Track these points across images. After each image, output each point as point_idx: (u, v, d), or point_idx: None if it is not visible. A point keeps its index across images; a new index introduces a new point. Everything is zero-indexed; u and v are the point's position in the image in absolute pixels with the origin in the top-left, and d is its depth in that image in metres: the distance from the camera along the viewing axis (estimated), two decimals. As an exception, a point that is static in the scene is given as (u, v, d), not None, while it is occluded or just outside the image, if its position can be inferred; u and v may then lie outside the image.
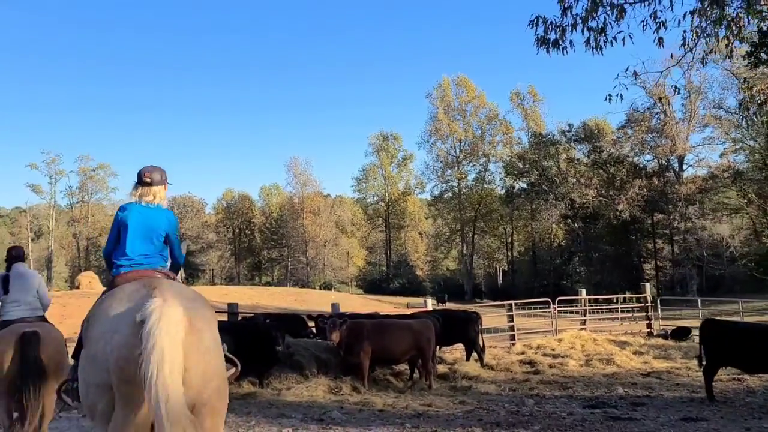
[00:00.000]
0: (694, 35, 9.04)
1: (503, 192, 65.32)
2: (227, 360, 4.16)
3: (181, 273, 4.89)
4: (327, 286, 70.12)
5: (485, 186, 66.56)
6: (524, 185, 62.71)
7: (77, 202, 72.32)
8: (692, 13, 9.13)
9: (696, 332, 18.20)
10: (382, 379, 12.37)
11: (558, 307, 17.20)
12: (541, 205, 58.69)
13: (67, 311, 28.75)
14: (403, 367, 13.22)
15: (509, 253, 69.94)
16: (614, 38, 9.38)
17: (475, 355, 13.96)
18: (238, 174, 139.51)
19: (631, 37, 9.40)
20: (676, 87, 12.03)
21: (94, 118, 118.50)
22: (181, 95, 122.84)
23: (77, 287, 38.55)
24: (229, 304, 13.93)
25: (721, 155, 52.48)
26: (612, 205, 53.08)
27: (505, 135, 64.79)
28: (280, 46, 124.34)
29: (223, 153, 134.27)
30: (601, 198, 54.53)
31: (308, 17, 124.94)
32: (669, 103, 51.40)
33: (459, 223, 65.99)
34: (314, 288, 64.30)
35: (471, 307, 20.73)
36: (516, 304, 16.99)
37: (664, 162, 54.81)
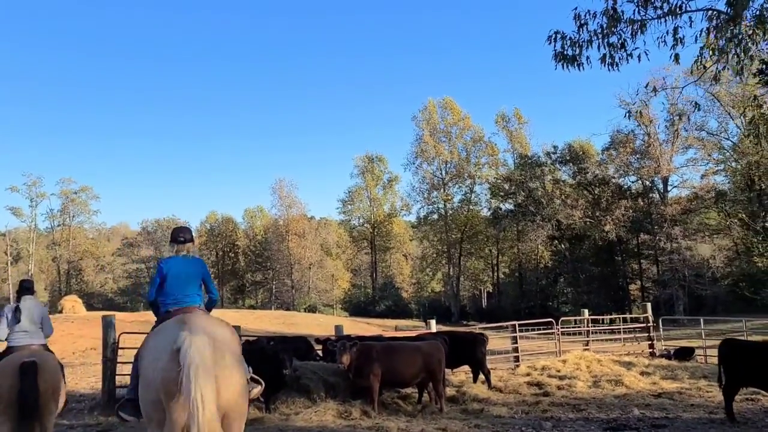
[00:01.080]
0: (711, 52, 8.99)
1: (489, 213, 65.45)
2: (252, 380, 5.16)
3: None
4: (312, 309, 69.43)
5: (471, 207, 66.64)
6: (510, 206, 62.87)
7: (58, 225, 71.35)
8: (708, 30, 9.10)
9: (699, 352, 18.22)
10: (391, 402, 12.03)
11: (561, 328, 16.99)
12: (527, 227, 58.83)
13: (52, 337, 28.17)
14: (410, 390, 12.94)
15: (495, 275, 69.91)
16: (630, 54, 9.32)
17: (481, 377, 13.69)
18: (222, 197, 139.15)
19: (647, 54, 9.35)
20: (696, 103, 11.93)
21: (77, 141, 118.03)
22: (165, 119, 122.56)
23: (60, 311, 37.72)
24: (233, 327, 13.54)
25: (703, 176, 53.12)
26: (599, 226, 53.34)
27: (490, 157, 65.12)
28: (266, 69, 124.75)
29: (207, 176, 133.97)
30: (587, 219, 54.80)
31: (294, 40, 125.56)
32: (653, 125, 52.21)
33: (445, 244, 65.89)
34: (299, 311, 63.69)
35: (462, 329, 20.45)
36: (519, 325, 16.77)
37: (648, 183, 55.35)
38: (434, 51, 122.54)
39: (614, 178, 56.40)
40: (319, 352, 13.16)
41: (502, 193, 63.08)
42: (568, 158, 59.01)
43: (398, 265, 78.51)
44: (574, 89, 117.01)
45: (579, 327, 18.34)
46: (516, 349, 16.31)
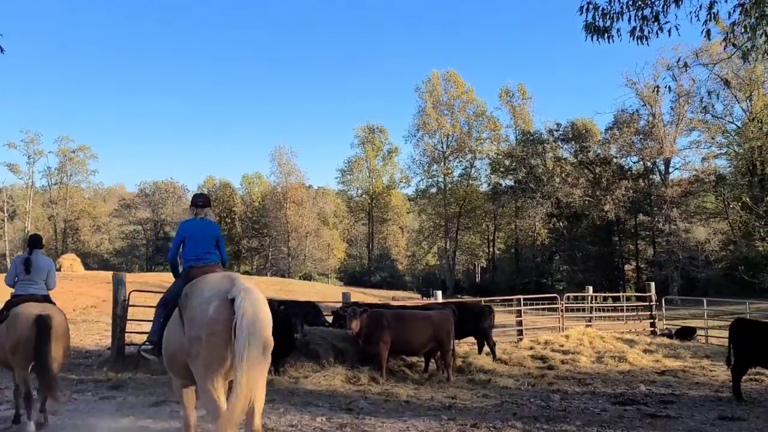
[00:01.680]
0: (744, 29, 8.84)
1: (489, 189, 65.29)
2: None
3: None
4: (307, 277, 69.56)
5: (471, 182, 66.46)
6: (510, 183, 62.71)
7: (55, 184, 70.84)
8: (740, 5, 8.94)
9: (701, 332, 18.35)
10: (398, 370, 12.10)
11: (563, 304, 17.03)
12: (527, 203, 58.75)
13: (52, 293, 28.14)
14: (415, 359, 13.00)
15: (490, 250, 70.04)
16: (661, 29, 9.18)
17: (486, 348, 13.77)
18: (220, 161, 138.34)
19: (677, 28, 9.20)
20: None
21: (76, 100, 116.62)
22: (167, 81, 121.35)
23: (59, 269, 37.54)
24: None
25: (703, 159, 53.04)
26: (598, 205, 53.32)
27: (492, 132, 64.73)
28: (268, 39, 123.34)
29: (206, 140, 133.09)
30: (587, 198, 54.77)
31: (299, 7, 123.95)
32: (658, 105, 51.95)
33: (443, 218, 65.82)
34: (294, 279, 63.77)
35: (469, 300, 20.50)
36: (524, 300, 16.82)
37: (650, 164, 55.24)
38: (440, 24, 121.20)
39: (616, 157, 56.22)
40: (328, 318, 13.21)
41: (502, 169, 62.82)
42: (570, 136, 58.64)
43: (394, 237, 78.47)
44: (579, 67, 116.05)
45: (582, 303, 18.40)
46: (520, 323, 16.38)
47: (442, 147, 66.20)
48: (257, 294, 4.84)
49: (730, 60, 48.80)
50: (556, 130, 59.28)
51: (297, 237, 71.11)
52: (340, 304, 13.84)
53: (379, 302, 17.28)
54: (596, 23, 8.87)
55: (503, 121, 64.85)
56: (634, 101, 59.15)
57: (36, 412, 7.00)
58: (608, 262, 58.30)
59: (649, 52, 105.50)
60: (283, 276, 65.54)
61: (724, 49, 10.14)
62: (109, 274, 42.65)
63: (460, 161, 66.90)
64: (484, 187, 66.85)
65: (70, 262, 38.71)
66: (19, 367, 6.95)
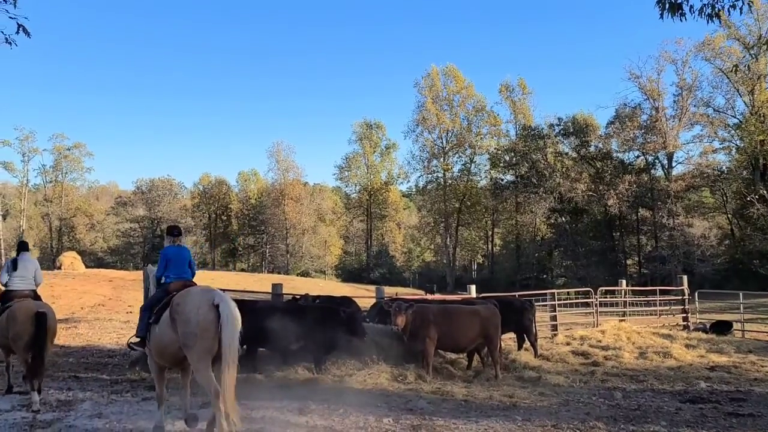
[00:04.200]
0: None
1: (489, 184, 64.83)
2: None
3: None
4: (304, 274, 68.94)
5: (471, 178, 66.00)
6: (511, 178, 62.28)
7: (50, 182, 69.70)
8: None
9: (738, 326, 17.91)
10: (441, 368, 11.58)
11: (596, 298, 16.57)
12: (529, 198, 58.34)
13: (56, 292, 27.29)
14: (454, 356, 12.50)
15: (489, 246, 69.65)
16: (733, 5, 8.72)
17: (526, 344, 13.28)
18: (216, 159, 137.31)
19: (750, 5, 8.75)
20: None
21: (71, 98, 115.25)
22: (161, 78, 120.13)
23: (59, 268, 36.88)
24: (274, 285, 13.02)
25: (701, 154, 52.76)
26: (602, 200, 53.00)
27: (492, 127, 64.27)
28: (264, 34, 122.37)
29: (202, 137, 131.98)
30: (590, 193, 54.43)
31: (294, 5, 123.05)
32: (662, 99, 51.70)
33: (443, 214, 65.34)
34: (292, 276, 63.10)
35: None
36: (557, 294, 16.35)
37: (651, 159, 54.96)
38: (438, 19, 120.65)
39: (618, 152, 55.92)
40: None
41: (502, 164, 62.38)
42: (571, 131, 58.23)
43: (392, 233, 77.90)
44: (579, 61, 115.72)
45: (616, 298, 17.94)
46: (554, 318, 15.90)
47: (441, 142, 65.72)
48: (231, 301, 6.36)
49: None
50: (557, 125, 58.90)
51: (295, 234, 70.51)
52: (374, 300, 13.30)
53: (417, 297, 16.72)
54: (671, -2, 8.38)
55: (503, 116, 64.51)
56: (636, 95, 58.91)
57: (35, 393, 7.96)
58: (610, 257, 57.96)
59: (653, 45, 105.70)
60: (279, 273, 64.89)
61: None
62: (110, 273, 42.28)
63: (460, 156, 66.49)
64: (483, 183, 66.42)
65: (71, 260, 37.93)
66: (21, 352, 8.28)
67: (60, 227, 68.43)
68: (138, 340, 7.10)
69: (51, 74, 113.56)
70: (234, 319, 6.11)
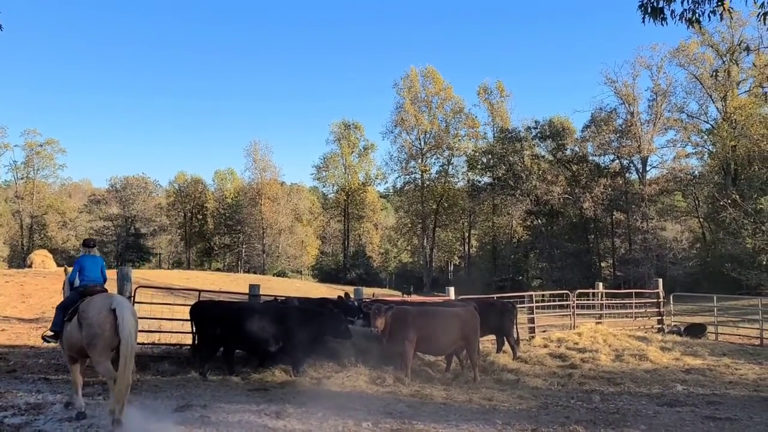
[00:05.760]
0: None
1: (466, 185, 65.05)
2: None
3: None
4: (281, 274, 68.48)
5: (448, 179, 66.17)
6: (488, 180, 62.55)
7: (21, 178, 68.33)
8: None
9: (712, 329, 18.11)
10: (420, 370, 11.52)
11: (574, 301, 16.63)
12: (505, 200, 58.67)
13: (26, 290, 26.72)
14: (431, 357, 12.44)
15: (465, 247, 69.86)
16: (713, 11, 8.78)
17: (505, 346, 13.28)
18: (192, 157, 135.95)
19: (730, 12, 8.82)
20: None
21: (44, 94, 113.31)
22: (137, 75, 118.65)
23: (29, 266, 36.15)
24: (251, 286, 12.83)
25: (674, 158, 53.53)
26: (577, 202, 53.47)
27: (470, 129, 64.51)
28: (241, 33, 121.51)
29: (178, 135, 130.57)
30: (566, 196, 54.88)
31: (272, 4, 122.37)
32: (637, 103, 52.33)
33: (420, 215, 65.42)
34: (268, 276, 62.62)
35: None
36: (534, 296, 16.40)
37: (626, 162, 55.57)
38: (418, 21, 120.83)
39: (593, 155, 56.44)
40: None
41: (480, 166, 62.65)
42: (548, 134, 58.66)
43: (369, 234, 77.72)
44: (557, 65, 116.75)
45: (592, 300, 18.05)
46: (532, 320, 15.94)
47: (419, 143, 65.84)
48: (127, 304, 7.67)
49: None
50: (534, 128, 59.29)
51: (271, 234, 70.01)
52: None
53: (396, 299, 16.62)
54: (652, 3, 8.43)
55: (481, 118, 64.84)
56: (612, 99, 59.49)
57: None
58: (585, 259, 58.46)
59: (628, 50, 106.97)
60: (256, 273, 64.39)
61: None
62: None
63: (438, 158, 66.67)
64: (460, 185, 66.62)
65: (42, 258, 37.19)
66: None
67: (31, 225, 67.14)
68: (52, 334, 8.14)
69: (23, 70, 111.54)
70: (128, 321, 7.25)
